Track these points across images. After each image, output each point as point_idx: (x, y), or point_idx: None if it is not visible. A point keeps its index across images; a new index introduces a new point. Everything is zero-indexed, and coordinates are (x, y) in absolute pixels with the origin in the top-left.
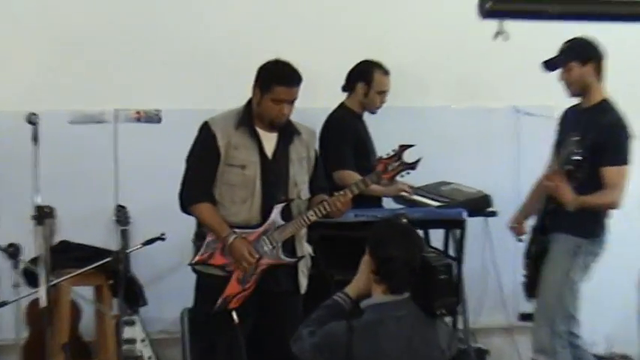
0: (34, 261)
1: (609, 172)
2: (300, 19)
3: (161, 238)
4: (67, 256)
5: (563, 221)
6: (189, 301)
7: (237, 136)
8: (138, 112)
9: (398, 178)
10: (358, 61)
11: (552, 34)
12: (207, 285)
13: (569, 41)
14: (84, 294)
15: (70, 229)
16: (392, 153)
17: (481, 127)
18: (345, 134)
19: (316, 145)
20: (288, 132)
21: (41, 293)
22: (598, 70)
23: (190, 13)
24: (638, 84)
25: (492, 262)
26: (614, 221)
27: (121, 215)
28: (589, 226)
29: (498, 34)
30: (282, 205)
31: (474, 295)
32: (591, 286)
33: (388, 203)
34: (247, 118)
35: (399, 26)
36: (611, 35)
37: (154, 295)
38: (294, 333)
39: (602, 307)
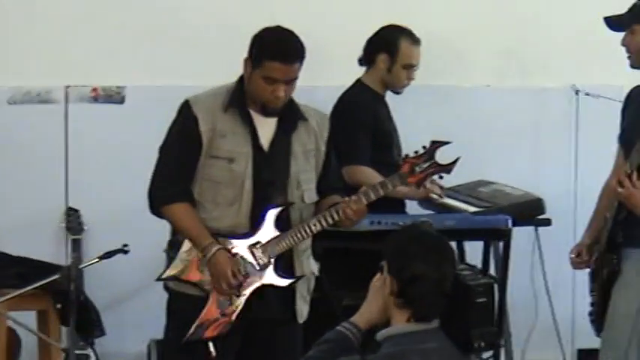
0: None
1: None
2: None
3: (123, 251)
4: (4, 272)
5: (634, 232)
6: (158, 330)
7: (225, 120)
8: (94, 90)
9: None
10: (378, 27)
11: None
12: (181, 307)
13: None
14: (24, 321)
15: (7, 239)
16: (421, 151)
17: (530, 111)
18: (360, 119)
19: (326, 133)
20: (290, 117)
21: None
22: None
23: None
24: None
25: (544, 284)
26: None
27: (73, 221)
28: None
29: None
30: (279, 210)
31: (520, 324)
32: None
33: (413, 207)
34: (239, 99)
35: None
36: None
37: (114, 322)
38: None
39: None
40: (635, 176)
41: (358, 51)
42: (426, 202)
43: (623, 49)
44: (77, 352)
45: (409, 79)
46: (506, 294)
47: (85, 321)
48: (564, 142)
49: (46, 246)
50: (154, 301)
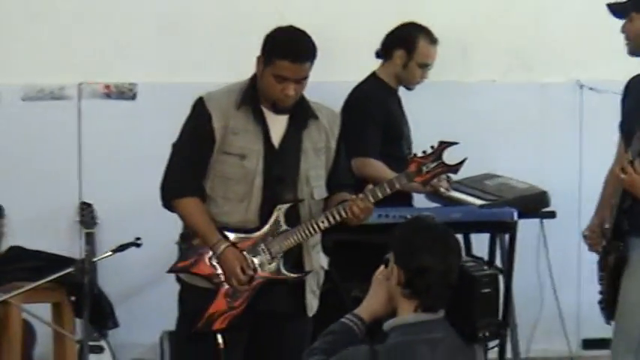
0: None
1: None
2: None
3: (136, 244)
4: (19, 265)
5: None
6: (170, 322)
7: (238, 117)
8: (107, 87)
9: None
10: (386, 24)
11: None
12: (191, 299)
13: None
14: (39, 313)
15: (22, 233)
16: (429, 151)
17: (535, 105)
18: (371, 113)
19: (336, 130)
20: (301, 115)
21: None
22: None
23: None
24: None
25: (549, 275)
26: None
27: (86, 215)
28: None
29: None
30: (288, 206)
31: (526, 316)
32: None
33: (420, 199)
34: (252, 96)
35: None
36: None
37: (127, 314)
38: None
39: None
40: (637, 163)
41: (368, 48)
42: (433, 195)
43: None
44: (91, 343)
45: (423, 77)
46: (512, 285)
47: (99, 313)
48: (569, 136)
49: (60, 240)
50: (167, 293)
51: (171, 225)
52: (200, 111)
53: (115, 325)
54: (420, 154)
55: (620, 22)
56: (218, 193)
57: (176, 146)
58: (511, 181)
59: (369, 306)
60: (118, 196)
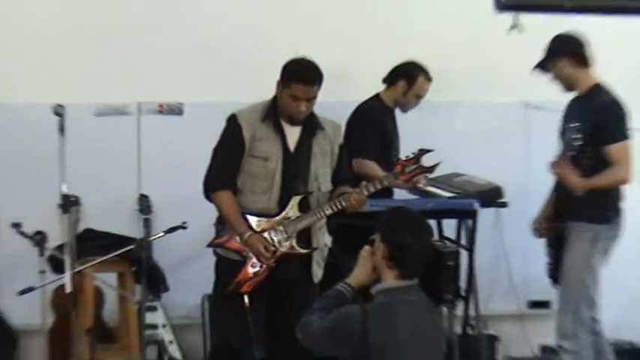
0: (60, 248)
1: (612, 149)
2: (321, 16)
3: (182, 227)
4: (92, 243)
5: (579, 209)
6: (209, 287)
7: (262, 128)
8: (160, 105)
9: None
10: (373, 56)
11: (562, 29)
12: (225, 268)
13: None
14: (107, 280)
15: (94, 218)
16: (411, 155)
17: (491, 120)
18: (372, 124)
19: (341, 139)
20: (311, 126)
21: (66, 279)
22: (577, 60)
23: (214, 7)
24: None
25: (503, 252)
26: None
27: (144, 204)
28: (604, 211)
29: (513, 27)
30: (301, 197)
31: (485, 283)
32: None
33: (403, 194)
34: (272, 112)
35: (414, 23)
36: (623, 26)
37: (176, 281)
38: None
39: (609, 295)
40: (566, 160)
41: (369, 75)
42: (413, 189)
43: None
44: (147, 304)
45: (416, 105)
46: (474, 259)
47: (153, 280)
48: (518, 144)
49: (123, 223)
50: (206, 264)
51: (210, 212)
52: (233, 124)
53: (166, 289)
54: (403, 158)
55: None
56: (246, 187)
57: (215, 151)
58: (473, 179)
59: (356, 276)
60: (168, 189)
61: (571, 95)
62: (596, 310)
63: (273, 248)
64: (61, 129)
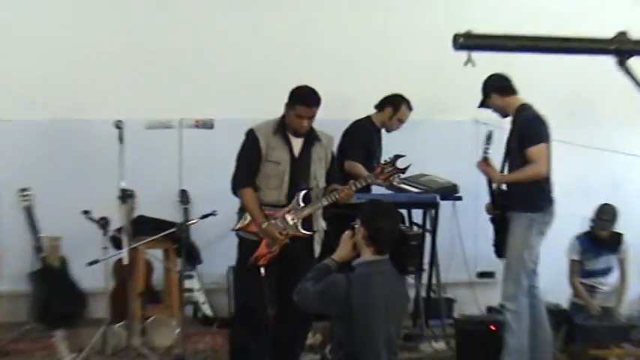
0: (119, 230)
1: (530, 151)
2: (324, 53)
3: (213, 214)
4: (143, 226)
5: (517, 201)
6: (233, 261)
7: (274, 139)
8: (197, 121)
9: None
10: (366, 84)
11: (506, 63)
12: (245, 246)
13: None
14: (155, 255)
15: (145, 207)
16: (388, 160)
17: (449, 134)
18: (362, 137)
19: (333, 148)
20: (311, 138)
21: (124, 254)
22: (503, 93)
23: (238, 43)
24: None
25: (458, 234)
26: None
27: (184, 197)
28: (538, 202)
29: (467, 62)
30: (304, 192)
31: (444, 258)
32: None
33: (381, 190)
34: (282, 127)
35: (396, 58)
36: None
37: (207, 256)
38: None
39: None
40: (488, 160)
41: (363, 103)
42: (389, 186)
43: None
44: (186, 273)
45: (398, 127)
46: (436, 240)
47: (191, 255)
48: (471, 153)
49: (168, 211)
50: (231, 243)
51: (234, 203)
52: (252, 136)
53: (200, 262)
54: (382, 162)
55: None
56: (263, 185)
57: (239, 157)
58: (435, 178)
59: (339, 253)
60: (202, 185)
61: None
62: (534, 279)
63: (285, 232)
64: (120, 139)
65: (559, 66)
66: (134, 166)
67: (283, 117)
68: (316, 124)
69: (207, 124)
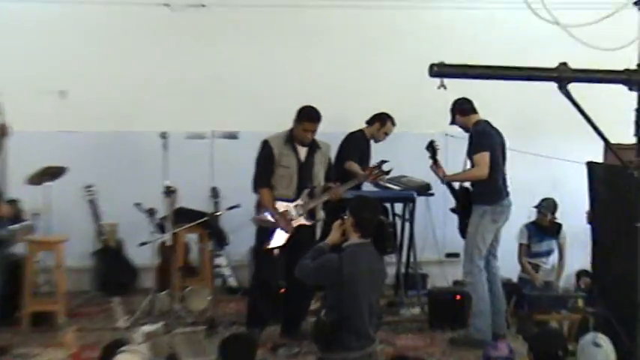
0: (164, 218)
1: (475, 157)
2: (326, 77)
3: (237, 207)
4: (183, 216)
5: (475, 196)
6: (252, 242)
7: (285, 148)
8: (225, 132)
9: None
10: (358, 104)
11: (470, 88)
12: (262, 231)
13: None
14: (192, 238)
15: (184, 200)
16: (375, 164)
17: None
18: (356, 145)
19: (330, 154)
20: (313, 146)
21: (167, 237)
22: (463, 113)
23: (258, 73)
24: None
25: (430, 223)
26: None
27: (214, 193)
28: (489, 196)
29: (440, 86)
30: (308, 190)
31: (420, 241)
32: None
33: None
34: (290, 138)
35: (381, 84)
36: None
37: (233, 238)
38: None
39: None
40: (438, 163)
41: (357, 119)
42: (376, 184)
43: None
44: (216, 252)
45: (384, 139)
46: (414, 227)
47: (220, 238)
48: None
49: (202, 204)
50: (251, 229)
51: (254, 198)
52: (267, 146)
53: (227, 244)
54: (371, 166)
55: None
56: (277, 183)
57: (257, 162)
58: (413, 179)
59: (331, 238)
60: (230, 183)
61: None
62: (492, 261)
63: (293, 222)
64: (165, 147)
65: (511, 89)
66: (175, 168)
67: (291, 130)
68: (319, 136)
69: (234, 135)
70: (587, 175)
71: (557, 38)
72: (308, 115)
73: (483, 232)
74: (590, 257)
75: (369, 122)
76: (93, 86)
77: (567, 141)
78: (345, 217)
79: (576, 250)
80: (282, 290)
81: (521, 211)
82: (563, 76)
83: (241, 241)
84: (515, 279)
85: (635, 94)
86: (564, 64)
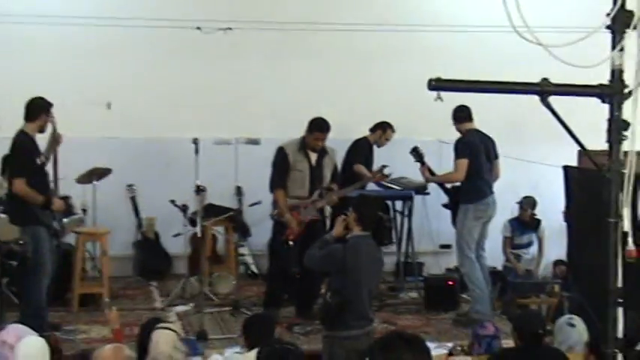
0: (195, 213)
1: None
2: (332, 92)
3: (258, 203)
4: (211, 211)
5: (460, 196)
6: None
7: (298, 154)
8: (248, 139)
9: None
10: (363, 114)
11: (464, 101)
12: (278, 226)
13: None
14: (219, 230)
15: (212, 198)
16: (378, 168)
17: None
18: (361, 150)
19: (335, 158)
20: (322, 152)
21: (198, 230)
22: (459, 120)
23: (276, 87)
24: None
25: (426, 218)
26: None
27: (239, 191)
28: (465, 194)
29: (437, 98)
30: (319, 191)
31: (417, 234)
32: None
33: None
34: (303, 145)
35: (383, 96)
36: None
37: (255, 231)
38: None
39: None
40: (425, 165)
41: (360, 127)
42: (380, 185)
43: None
44: (240, 243)
45: (384, 144)
46: (412, 222)
47: (243, 229)
48: (434, 164)
49: (228, 201)
50: (269, 223)
51: (271, 197)
52: (282, 152)
53: (250, 235)
54: (374, 169)
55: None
56: (291, 185)
57: (274, 166)
58: (412, 180)
59: (335, 231)
60: (253, 183)
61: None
62: (480, 251)
63: (305, 218)
64: (196, 151)
65: (499, 101)
66: (205, 169)
67: (304, 138)
68: (328, 142)
69: (256, 141)
70: (563, 177)
71: (540, 57)
72: (319, 126)
73: (469, 228)
74: (566, 249)
75: (372, 130)
76: (134, 98)
77: (547, 147)
78: (348, 212)
79: (553, 242)
80: (297, 275)
81: (505, 208)
82: (544, 89)
83: (262, 233)
84: (500, 268)
85: (607, 105)
86: (546, 79)
